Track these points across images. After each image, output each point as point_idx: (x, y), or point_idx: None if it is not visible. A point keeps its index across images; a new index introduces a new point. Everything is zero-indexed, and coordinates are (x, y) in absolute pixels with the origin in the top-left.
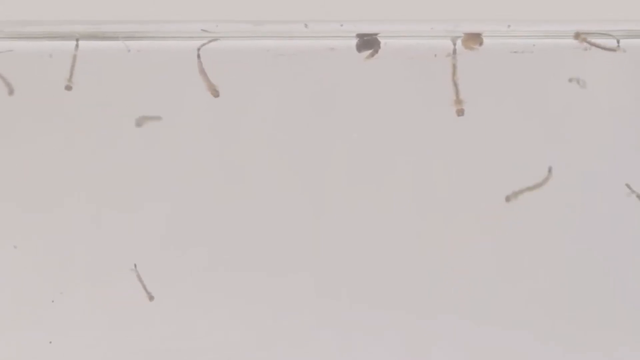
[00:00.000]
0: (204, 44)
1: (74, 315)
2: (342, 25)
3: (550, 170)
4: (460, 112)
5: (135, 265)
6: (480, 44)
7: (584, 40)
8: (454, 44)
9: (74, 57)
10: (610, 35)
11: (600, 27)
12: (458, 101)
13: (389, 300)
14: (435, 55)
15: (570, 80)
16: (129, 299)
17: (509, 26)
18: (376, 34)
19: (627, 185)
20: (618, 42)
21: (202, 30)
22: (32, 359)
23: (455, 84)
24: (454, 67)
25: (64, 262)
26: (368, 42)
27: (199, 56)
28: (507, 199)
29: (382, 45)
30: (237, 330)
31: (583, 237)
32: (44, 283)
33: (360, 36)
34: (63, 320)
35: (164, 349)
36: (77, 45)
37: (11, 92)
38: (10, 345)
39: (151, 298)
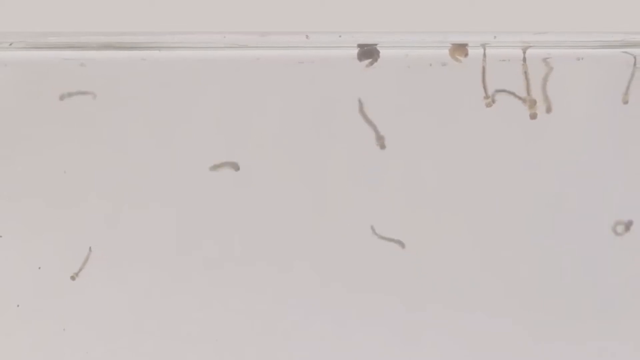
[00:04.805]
0: None
1: (89, 305)
2: (340, 37)
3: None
4: (489, 105)
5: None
6: (466, 55)
7: None
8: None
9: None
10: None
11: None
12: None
13: (385, 291)
14: (431, 65)
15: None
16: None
17: (494, 37)
18: (375, 44)
19: None
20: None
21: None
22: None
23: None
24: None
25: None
26: (368, 52)
27: None
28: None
29: (380, 54)
30: (244, 318)
31: (568, 233)
32: (63, 272)
33: (361, 46)
34: (78, 309)
35: (177, 338)
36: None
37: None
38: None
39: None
